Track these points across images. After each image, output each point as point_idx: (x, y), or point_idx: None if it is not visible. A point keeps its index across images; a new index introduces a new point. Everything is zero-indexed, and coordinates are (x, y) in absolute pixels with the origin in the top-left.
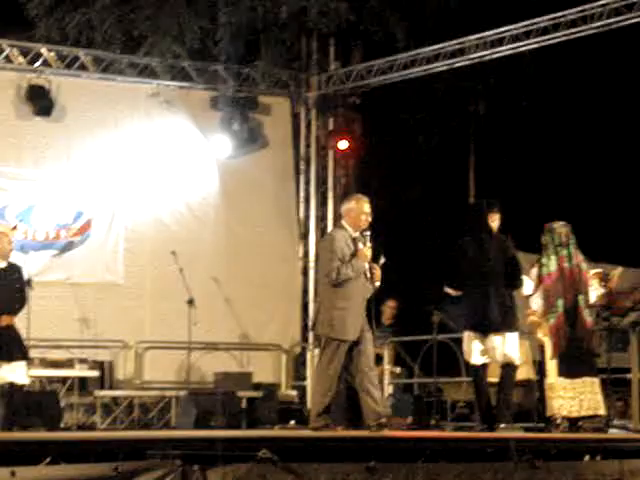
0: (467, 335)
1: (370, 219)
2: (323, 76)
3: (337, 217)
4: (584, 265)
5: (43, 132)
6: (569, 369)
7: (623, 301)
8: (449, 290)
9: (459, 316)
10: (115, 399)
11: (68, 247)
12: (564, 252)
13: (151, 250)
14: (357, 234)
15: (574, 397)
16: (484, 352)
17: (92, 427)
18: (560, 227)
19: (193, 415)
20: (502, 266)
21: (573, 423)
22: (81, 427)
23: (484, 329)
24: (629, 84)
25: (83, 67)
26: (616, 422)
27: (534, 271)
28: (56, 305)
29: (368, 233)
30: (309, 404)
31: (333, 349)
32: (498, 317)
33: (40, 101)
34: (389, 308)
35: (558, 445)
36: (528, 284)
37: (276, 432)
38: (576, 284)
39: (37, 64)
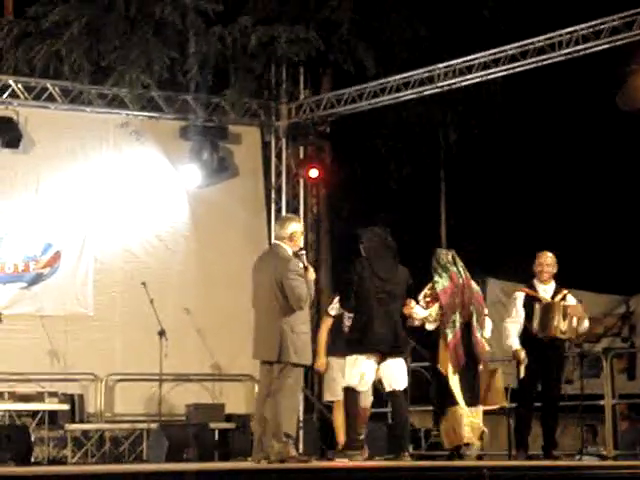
0: (353, 358)
1: None
2: (293, 105)
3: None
4: (476, 287)
5: (11, 164)
6: (473, 397)
7: (595, 327)
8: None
9: None
10: (86, 432)
11: (37, 279)
12: (454, 269)
13: (121, 281)
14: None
15: (467, 424)
16: (367, 376)
17: (63, 461)
18: (443, 252)
19: (165, 448)
20: (399, 290)
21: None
22: (52, 461)
23: (370, 351)
24: (596, 110)
25: (51, 98)
26: (590, 449)
27: (424, 294)
28: (25, 338)
29: (304, 252)
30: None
31: (298, 376)
32: (389, 341)
33: (8, 133)
34: None
35: (532, 473)
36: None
37: (249, 464)
38: (469, 300)
39: (5, 95)
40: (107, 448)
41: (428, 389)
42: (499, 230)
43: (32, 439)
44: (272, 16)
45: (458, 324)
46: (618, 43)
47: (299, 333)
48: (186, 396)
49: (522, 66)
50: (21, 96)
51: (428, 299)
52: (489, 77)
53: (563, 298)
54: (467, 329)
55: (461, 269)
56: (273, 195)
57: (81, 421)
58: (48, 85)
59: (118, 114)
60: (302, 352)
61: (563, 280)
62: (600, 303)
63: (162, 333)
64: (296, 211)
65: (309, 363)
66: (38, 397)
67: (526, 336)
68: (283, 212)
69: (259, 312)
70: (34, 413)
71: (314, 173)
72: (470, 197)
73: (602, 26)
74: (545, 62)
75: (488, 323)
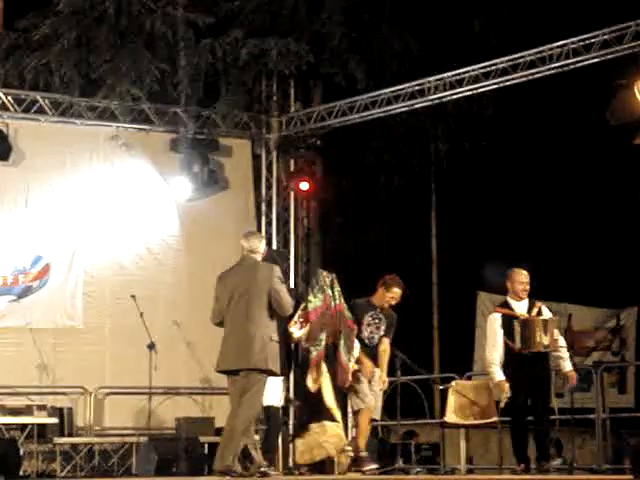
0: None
1: None
2: (284, 118)
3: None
4: (348, 313)
5: (1, 176)
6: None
7: (585, 341)
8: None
9: None
10: (75, 446)
11: (26, 292)
12: (329, 292)
13: (111, 294)
14: None
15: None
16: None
17: (52, 475)
18: (324, 273)
19: (154, 461)
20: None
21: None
22: (41, 475)
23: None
24: (586, 124)
25: (41, 111)
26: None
27: (298, 314)
28: (14, 351)
29: None
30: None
31: (264, 383)
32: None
33: None
34: (392, 299)
35: None
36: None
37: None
38: (338, 324)
39: None
40: (96, 462)
41: (418, 403)
42: (489, 243)
43: (21, 453)
44: (263, 29)
45: (323, 343)
46: (609, 57)
47: (275, 342)
48: (176, 409)
49: (513, 79)
50: (11, 108)
51: (302, 319)
52: (480, 90)
53: (539, 312)
54: (334, 350)
55: (337, 293)
56: (264, 208)
57: (70, 435)
58: (38, 97)
59: (108, 126)
60: (277, 361)
61: (554, 294)
62: (591, 317)
63: (152, 346)
64: (286, 224)
65: (279, 372)
66: (27, 410)
67: (509, 354)
68: (274, 225)
69: (238, 321)
70: (23, 426)
71: (305, 186)
72: (461, 210)
73: (593, 40)
74: (536, 75)
75: (357, 347)
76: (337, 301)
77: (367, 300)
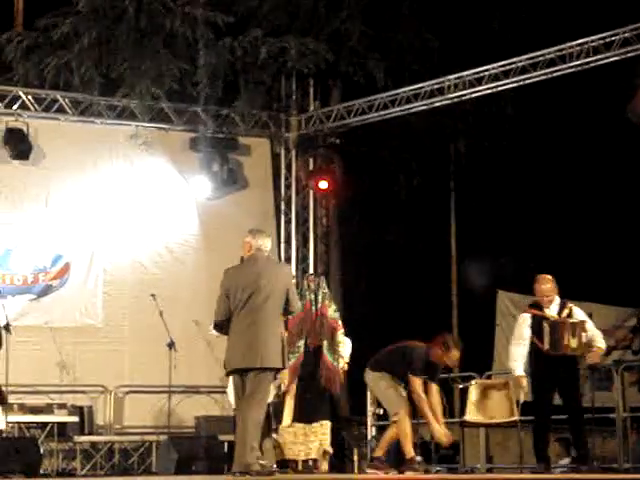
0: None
1: None
2: (303, 116)
3: (317, 258)
4: (333, 314)
5: (21, 175)
6: (306, 414)
7: (606, 340)
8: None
9: None
10: (95, 444)
11: (46, 291)
12: (311, 297)
13: (130, 293)
14: None
15: (304, 442)
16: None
17: (72, 473)
18: (310, 277)
19: (174, 460)
20: None
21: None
22: (61, 473)
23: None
24: (607, 121)
25: (61, 110)
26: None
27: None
28: (35, 350)
29: None
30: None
31: (271, 381)
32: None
33: (18, 144)
34: (448, 359)
35: None
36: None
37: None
38: (319, 328)
39: (15, 107)
40: (116, 460)
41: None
42: (509, 241)
43: (41, 451)
44: (282, 28)
45: (301, 350)
46: (629, 55)
47: (284, 340)
48: (195, 408)
49: (532, 78)
50: (31, 108)
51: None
52: (499, 89)
53: (569, 313)
54: (318, 353)
55: (321, 297)
56: (283, 207)
57: (90, 433)
58: (58, 97)
59: (128, 125)
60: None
61: (575, 292)
62: (611, 315)
63: (171, 345)
64: (305, 223)
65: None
66: (47, 409)
67: (537, 354)
68: (293, 224)
69: (259, 318)
70: (43, 425)
71: (324, 185)
72: (480, 209)
73: (613, 38)
74: (555, 74)
75: (347, 344)
76: (319, 304)
77: (426, 353)
